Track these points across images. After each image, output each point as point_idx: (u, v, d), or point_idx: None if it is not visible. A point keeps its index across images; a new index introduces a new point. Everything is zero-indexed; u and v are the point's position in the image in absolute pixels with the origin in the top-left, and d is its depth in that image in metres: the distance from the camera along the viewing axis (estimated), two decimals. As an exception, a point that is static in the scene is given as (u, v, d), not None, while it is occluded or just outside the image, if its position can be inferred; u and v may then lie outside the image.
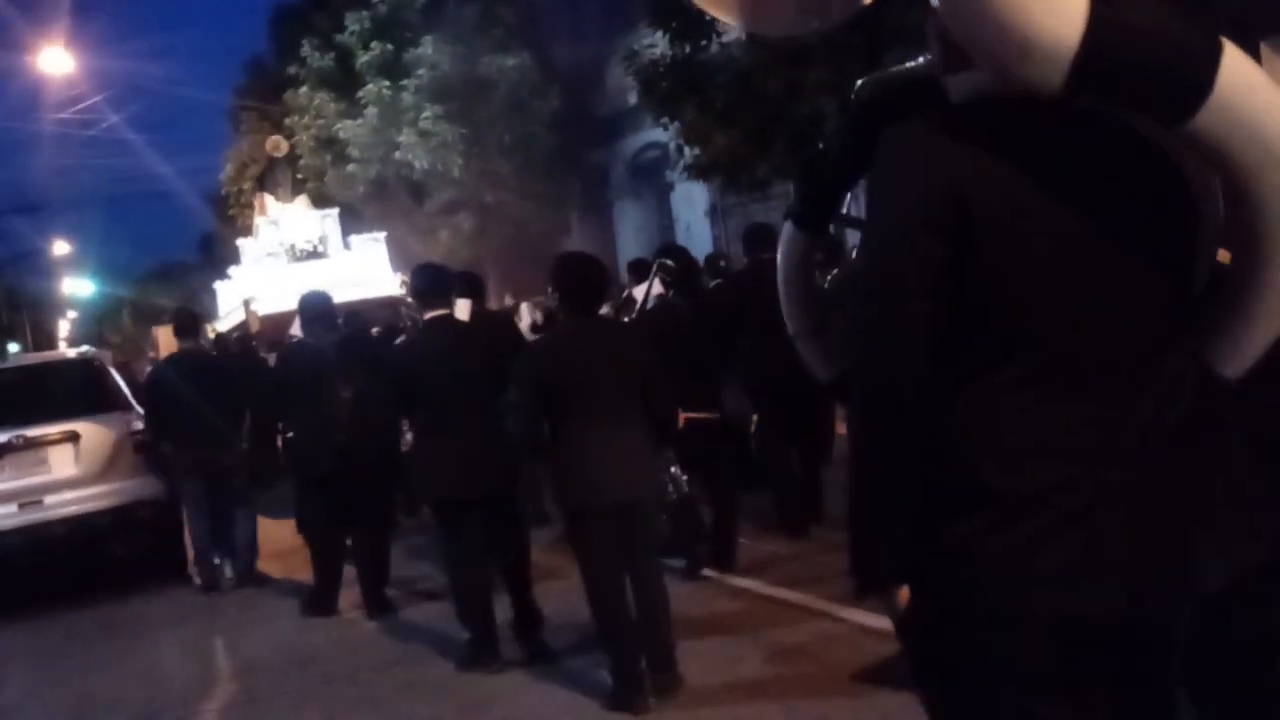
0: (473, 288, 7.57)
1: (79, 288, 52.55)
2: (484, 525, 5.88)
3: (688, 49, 13.57)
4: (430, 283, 6.13)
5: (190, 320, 9.58)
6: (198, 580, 8.95)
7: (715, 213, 22.47)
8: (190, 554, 9.22)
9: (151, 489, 9.21)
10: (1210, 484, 2.06)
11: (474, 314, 6.75)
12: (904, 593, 2.09)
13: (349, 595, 7.65)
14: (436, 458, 5.87)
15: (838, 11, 2.86)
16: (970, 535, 2.00)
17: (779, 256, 3.05)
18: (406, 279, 5.27)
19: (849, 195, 3.03)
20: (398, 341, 7.93)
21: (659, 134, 19.83)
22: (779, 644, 5.57)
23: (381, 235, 18.99)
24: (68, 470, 8.98)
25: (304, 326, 7.93)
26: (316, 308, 7.72)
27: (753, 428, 7.27)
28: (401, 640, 6.76)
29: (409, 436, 6.35)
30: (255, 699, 6.17)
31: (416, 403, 5.93)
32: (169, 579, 9.34)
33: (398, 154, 21.45)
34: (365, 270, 16.66)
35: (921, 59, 2.46)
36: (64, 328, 57.51)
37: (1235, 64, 1.92)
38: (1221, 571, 2.07)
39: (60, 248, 47.41)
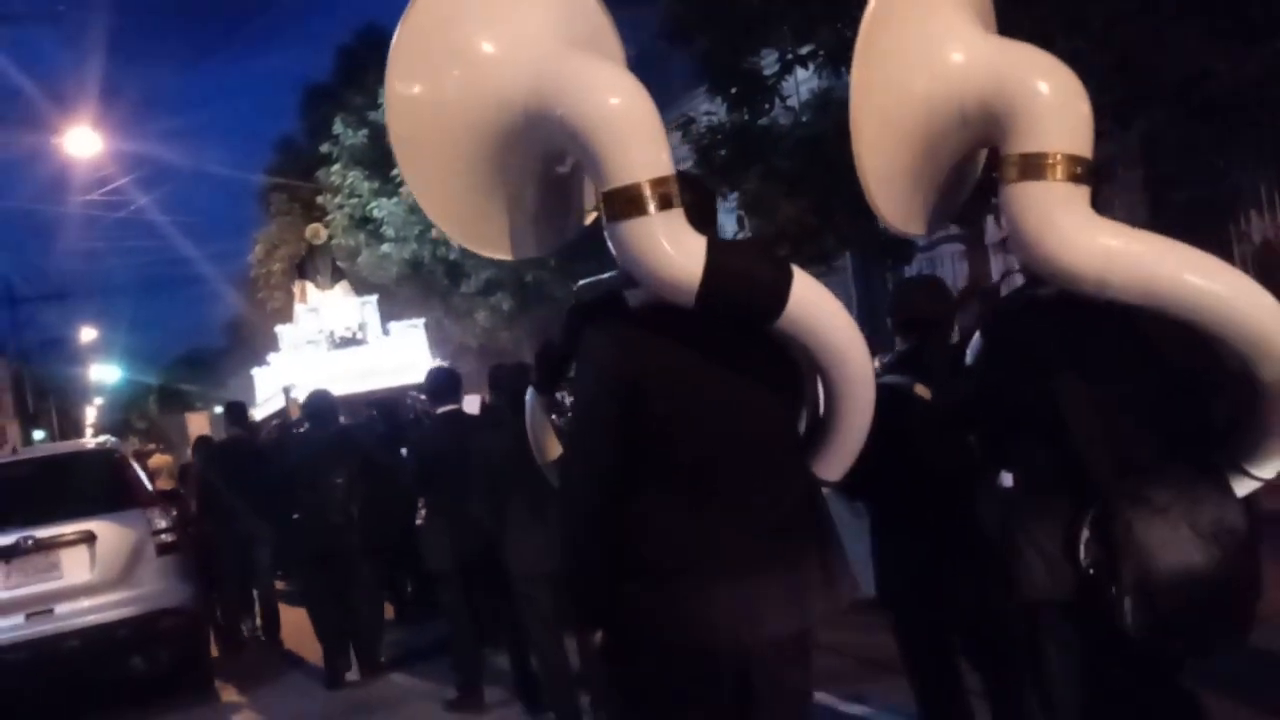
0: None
1: (105, 374, 52.25)
2: (476, 589, 6.92)
3: (747, 115, 12.74)
4: (441, 383, 7.44)
5: (241, 411, 11.43)
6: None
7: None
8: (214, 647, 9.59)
9: (176, 596, 8.25)
10: (808, 554, 3.05)
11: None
12: (599, 633, 3.06)
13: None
14: (442, 531, 6.92)
15: (572, 229, 3.63)
16: (637, 592, 2.94)
17: (527, 416, 4.28)
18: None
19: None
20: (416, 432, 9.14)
21: (707, 208, 19.03)
22: None
23: (420, 321, 18.76)
24: (82, 575, 8.00)
25: (308, 420, 8.92)
26: (317, 405, 8.68)
27: None
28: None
29: (423, 513, 7.13)
30: None
31: (430, 483, 7.02)
32: (193, 697, 8.37)
33: (434, 233, 20.60)
34: (404, 357, 16.67)
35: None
36: (90, 414, 57.12)
37: (802, 289, 2.96)
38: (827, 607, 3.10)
39: (87, 334, 47.25)
